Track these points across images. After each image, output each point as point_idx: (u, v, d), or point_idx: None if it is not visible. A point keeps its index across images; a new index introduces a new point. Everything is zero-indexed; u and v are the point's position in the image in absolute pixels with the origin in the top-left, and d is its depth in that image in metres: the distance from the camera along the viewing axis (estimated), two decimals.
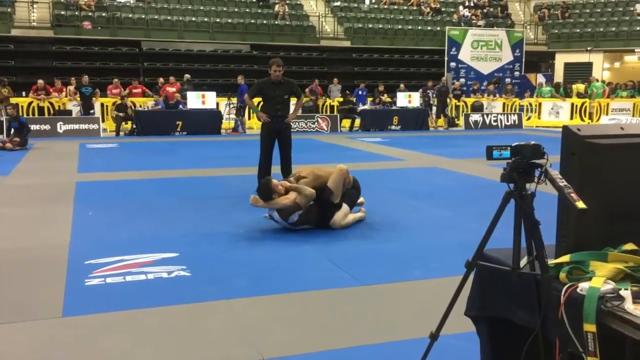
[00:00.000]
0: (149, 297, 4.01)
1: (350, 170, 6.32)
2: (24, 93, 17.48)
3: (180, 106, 16.73)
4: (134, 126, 16.11)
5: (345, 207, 5.96)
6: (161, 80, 18.17)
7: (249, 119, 18.47)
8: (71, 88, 17.13)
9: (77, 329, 3.52)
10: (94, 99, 16.94)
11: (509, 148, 2.24)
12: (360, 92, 19.59)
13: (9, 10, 20.04)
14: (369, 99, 19.59)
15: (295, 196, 5.64)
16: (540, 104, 20.54)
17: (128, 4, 21.90)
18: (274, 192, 5.68)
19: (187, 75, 18.48)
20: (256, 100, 8.40)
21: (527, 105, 20.76)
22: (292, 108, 8.35)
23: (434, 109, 19.48)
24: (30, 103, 16.73)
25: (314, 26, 23.59)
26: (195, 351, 3.25)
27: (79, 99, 16.82)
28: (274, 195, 5.68)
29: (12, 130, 13.07)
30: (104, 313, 3.75)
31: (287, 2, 23.89)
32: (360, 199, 6.44)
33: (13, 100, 15.72)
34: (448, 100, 19.43)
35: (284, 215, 5.67)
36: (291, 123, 7.99)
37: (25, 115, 15.31)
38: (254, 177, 7.48)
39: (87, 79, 17.04)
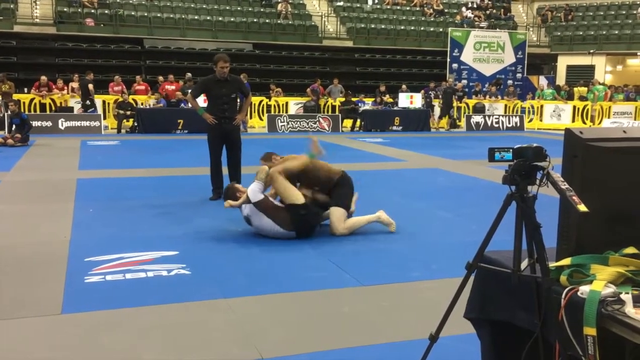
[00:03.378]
0: (148, 295, 4.01)
1: (351, 170, 6.30)
2: (25, 89, 17.51)
3: (182, 104, 16.74)
4: (136, 124, 16.12)
5: (336, 209, 5.65)
6: (161, 78, 18.20)
7: (250, 117, 18.48)
8: (91, 86, 17.06)
9: (76, 326, 3.52)
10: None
11: (510, 150, 2.24)
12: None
13: (11, 6, 20.05)
14: (371, 99, 19.60)
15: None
16: (542, 107, 20.54)
17: (131, 1, 21.88)
18: (237, 191, 5.62)
19: (188, 74, 18.48)
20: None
21: (528, 108, 20.75)
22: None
23: (436, 110, 19.48)
24: (32, 99, 16.75)
25: (317, 26, 23.57)
26: (194, 350, 3.25)
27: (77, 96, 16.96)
28: (237, 193, 5.59)
29: (14, 126, 13.08)
30: (103, 310, 3.75)
31: (290, 1, 23.88)
32: (355, 196, 6.04)
33: (15, 96, 15.74)
34: (454, 101, 19.43)
35: (248, 199, 5.46)
36: (240, 124, 7.51)
37: (26, 112, 15.32)
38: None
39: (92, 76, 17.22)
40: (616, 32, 25.72)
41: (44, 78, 16.93)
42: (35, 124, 14.45)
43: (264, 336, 3.42)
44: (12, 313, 3.69)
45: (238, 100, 7.68)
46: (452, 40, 23.56)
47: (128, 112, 16.36)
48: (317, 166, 5.81)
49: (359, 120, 18.27)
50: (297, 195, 5.44)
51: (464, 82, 22.55)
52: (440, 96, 19.45)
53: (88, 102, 16.70)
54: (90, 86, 16.89)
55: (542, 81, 24.49)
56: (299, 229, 5.43)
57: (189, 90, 8.23)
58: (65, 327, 3.52)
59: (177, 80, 18.29)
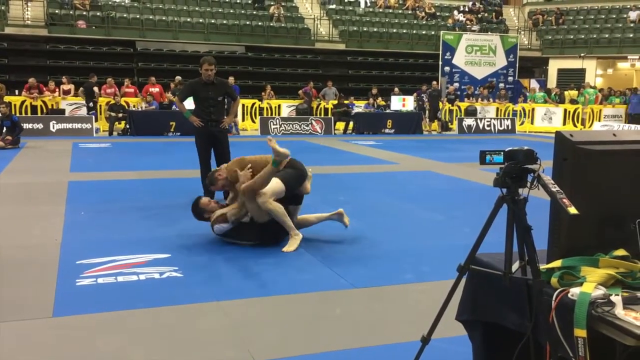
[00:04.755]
0: (140, 298, 4.00)
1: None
2: (17, 92, 17.41)
3: (174, 106, 16.69)
4: (127, 126, 16.07)
5: (276, 181, 5.25)
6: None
7: (243, 120, 18.47)
8: (96, 89, 17.15)
9: (68, 330, 3.51)
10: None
11: (502, 153, 2.25)
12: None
13: (2, 8, 19.93)
14: (363, 102, 19.63)
15: (229, 209, 5.30)
16: (533, 110, 20.63)
17: (123, 3, 21.81)
18: (205, 212, 5.41)
19: (178, 77, 18.44)
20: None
21: (520, 111, 20.85)
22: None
23: (427, 112, 19.54)
24: (23, 102, 16.67)
25: (309, 28, 23.59)
26: (186, 352, 3.24)
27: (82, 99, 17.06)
28: (205, 215, 5.41)
29: (5, 128, 12.99)
30: (94, 313, 3.73)
31: (283, 4, 23.89)
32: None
33: (6, 98, 15.66)
34: (441, 104, 19.49)
35: (213, 225, 5.33)
36: (228, 128, 7.43)
37: (18, 114, 15.24)
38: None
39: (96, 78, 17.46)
40: (607, 35, 25.89)
41: (32, 80, 16.85)
42: (26, 126, 14.37)
43: (256, 339, 3.42)
44: (3, 316, 3.66)
45: (226, 103, 7.67)
46: (444, 43, 23.65)
47: (120, 115, 16.31)
48: (260, 163, 5.47)
49: (351, 123, 18.29)
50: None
51: (456, 85, 22.63)
52: (427, 99, 19.52)
53: (91, 104, 16.70)
54: (96, 89, 16.91)
55: (534, 84, 24.59)
56: (264, 240, 5.36)
57: (177, 93, 8.20)
58: (56, 330, 3.50)
59: (159, 82, 18.21)
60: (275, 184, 5.23)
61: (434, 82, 20.21)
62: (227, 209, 5.39)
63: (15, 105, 16.14)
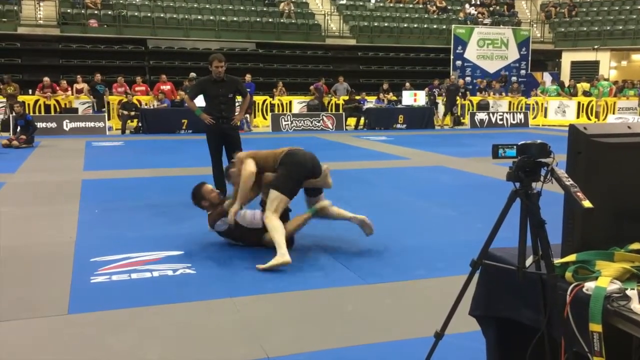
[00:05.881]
0: (154, 295, 4.02)
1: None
2: (30, 91, 17.56)
3: (186, 104, 16.74)
4: (140, 124, 16.16)
5: (270, 192, 4.93)
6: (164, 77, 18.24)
7: (255, 117, 18.50)
8: (86, 86, 17.32)
9: (83, 327, 3.53)
10: (105, 96, 17.16)
11: (514, 147, 2.23)
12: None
13: (15, 8, 20.09)
14: (374, 97, 19.59)
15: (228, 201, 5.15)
16: (546, 103, 20.47)
17: (134, 2, 21.91)
18: (204, 199, 5.21)
19: (192, 74, 18.49)
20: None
21: (533, 104, 20.69)
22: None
23: (440, 107, 19.44)
24: (36, 101, 16.81)
25: (320, 24, 23.55)
26: (200, 349, 3.25)
27: (89, 97, 17.14)
28: (204, 202, 5.22)
29: (19, 127, 13.13)
30: (109, 310, 3.77)
31: (293, 0, 23.88)
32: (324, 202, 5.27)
33: (19, 98, 15.80)
34: (458, 98, 19.38)
35: (210, 220, 5.17)
36: (238, 124, 7.33)
37: (31, 113, 15.37)
38: None
39: (99, 77, 17.50)
40: (620, 27, 25.60)
41: (46, 79, 17.01)
42: (40, 125, 14.49)
43: (269, 335, 3.43)
44: (19, 314, 3.70)
45: (238, 100, 7.64)
46: (456, 37, 23.52)
47: (132, 113, 16.40)
48: (264, 156, 5.17)
49: (362, 119, 18.26)
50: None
51: (468, 79, 22.50)
52: (443, 94, 19.43)
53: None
54: (85, 86, 17.13)
55: (546, 77, 24.40)
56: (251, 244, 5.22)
57: (187, 91, 8.22)
58: (71, 328, 3.53)
59: (171, 80, 18.28)
60: (274, 196, 4.89)
61: (452, 77, 20.07)
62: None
63: (29, 104, 16.29)
